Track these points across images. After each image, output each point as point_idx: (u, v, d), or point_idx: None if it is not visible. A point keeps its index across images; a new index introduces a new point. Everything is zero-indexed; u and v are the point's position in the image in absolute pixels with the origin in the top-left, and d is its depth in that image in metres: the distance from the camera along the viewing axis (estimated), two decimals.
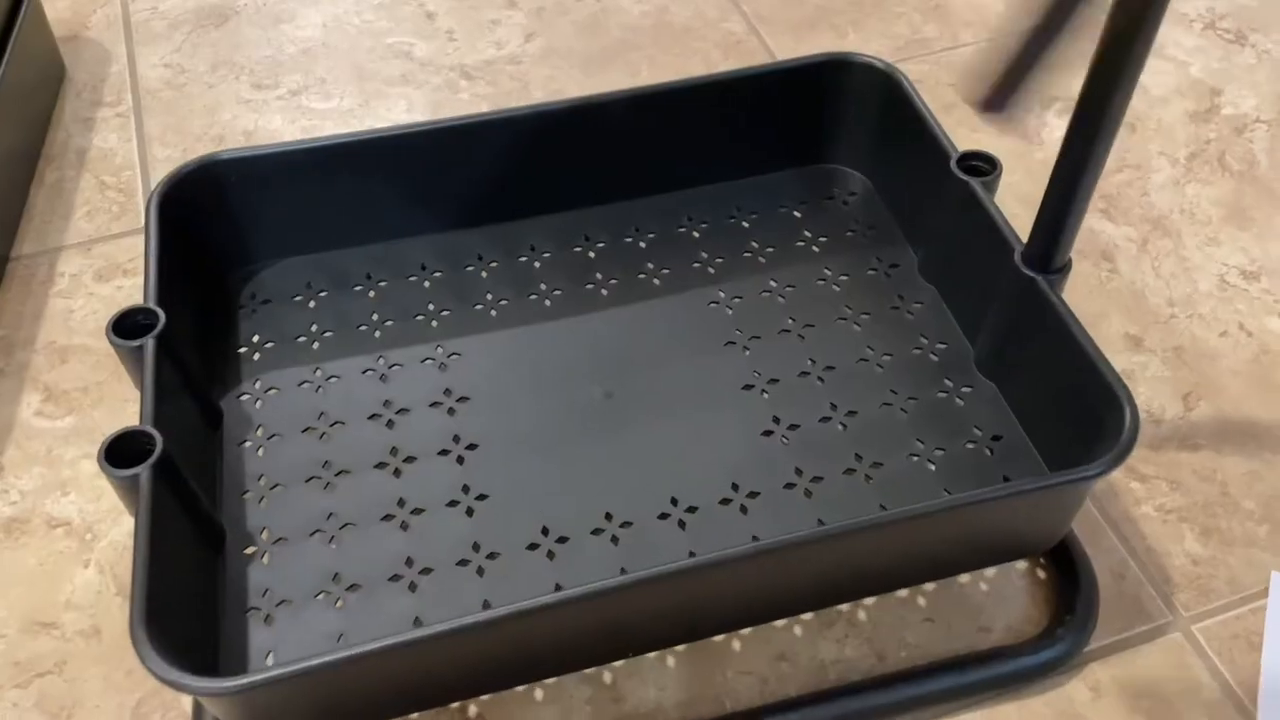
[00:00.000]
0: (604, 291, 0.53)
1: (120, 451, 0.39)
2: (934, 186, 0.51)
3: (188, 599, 0.40)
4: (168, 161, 0.65)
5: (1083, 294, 0.58)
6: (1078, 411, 0.43)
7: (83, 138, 0.66)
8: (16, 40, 0.62)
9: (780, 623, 0.45)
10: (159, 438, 0.38)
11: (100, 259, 0.60)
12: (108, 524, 0.49)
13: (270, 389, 0.49)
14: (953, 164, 0.49)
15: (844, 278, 0.54)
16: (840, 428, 0.48)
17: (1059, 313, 0.44)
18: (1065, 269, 0.45)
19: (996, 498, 0.39)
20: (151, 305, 0.43)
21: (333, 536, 0.44)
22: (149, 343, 0.42)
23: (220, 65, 0.71)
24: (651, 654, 0.44)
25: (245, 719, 0.36)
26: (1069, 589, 0.46)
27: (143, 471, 0.38)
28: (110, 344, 0.42)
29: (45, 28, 0.68)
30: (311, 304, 0.52)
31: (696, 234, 0.56)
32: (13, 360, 0.55)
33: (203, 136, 0.66)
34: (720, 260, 0.55)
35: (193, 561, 0.41)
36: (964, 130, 0.65)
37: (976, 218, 0.48)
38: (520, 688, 0.43)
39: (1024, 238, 0.48)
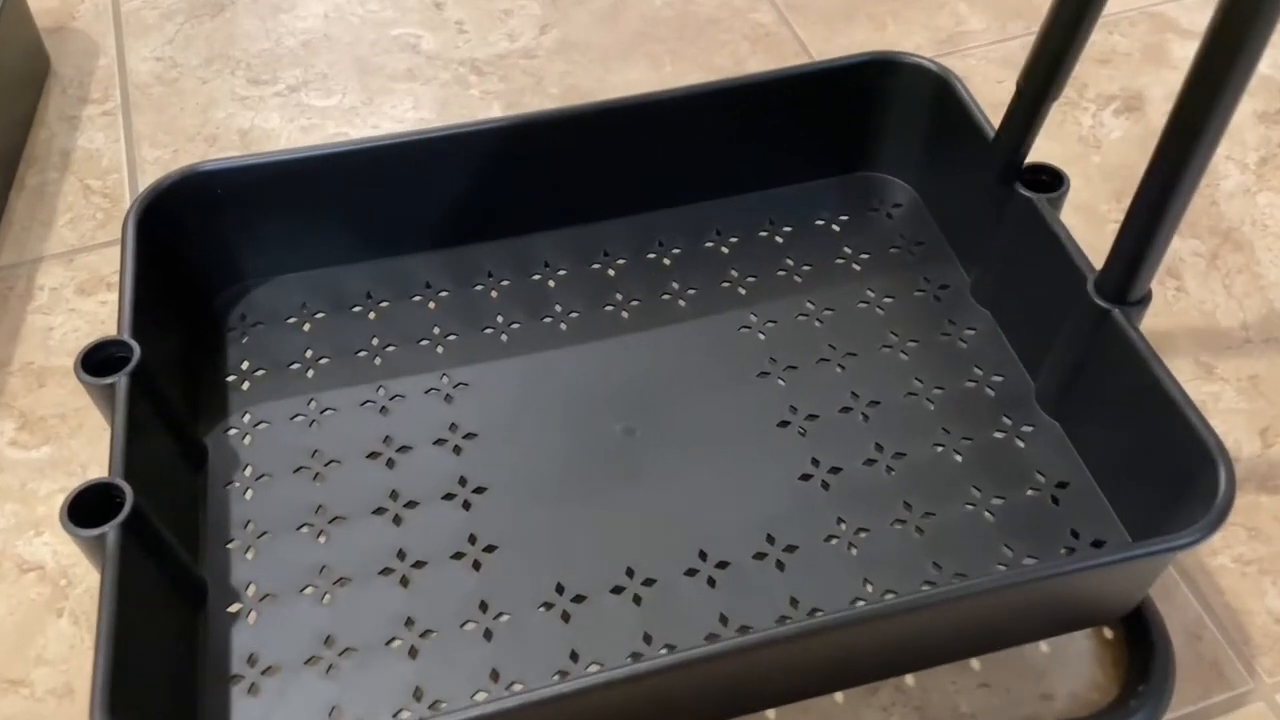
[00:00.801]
0: (625, 314, 0.49)
1: (87, 505, 0.34)
2: (991, 201, 0.46)
3: (163, 668, 0.36)
4: (157, 164, 0.61)
5: (1146, 315, 0.53)
6: (1158, 462, 0.38)
7: (67, 138, 0.62)
8: None
9: None
10: (128, 491, 0.34)
11: (83, 271, 0.55)
12: (84, 568, 0.45)
13: (260, 423, 0.45)
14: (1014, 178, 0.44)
15: (888, 300, 0.49)
16: (887, 472, 0.43)
17: (1139, 351, 0.39)
18: (1145, 300, 0.40)
19: (1074, 570, 0.35)
20: (126, 337, 0.39)
21: (326, 593, 0.40)
22: (122, 380, 0.37)
23: (215, 59, 0.67)
24: None
25: None
26: (1142, 653, 0.41)
27: (109, 531, 0.33)
28: (79, 381, 0.38)
29: (28, 18, 0.64)
30: (306, 326, 0.48)
31: (726, 249, 0.51)
32: None
33: (195, 136, 0.62)
34: (752, 279, 0.50)
35: (169, 624, 0.37)
36: None
37: (1041, 238, 0.43)
38: None
39: (1086, 253, 0.43)
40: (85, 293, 0.55)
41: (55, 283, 0.55)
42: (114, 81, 0.65)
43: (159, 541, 0.36)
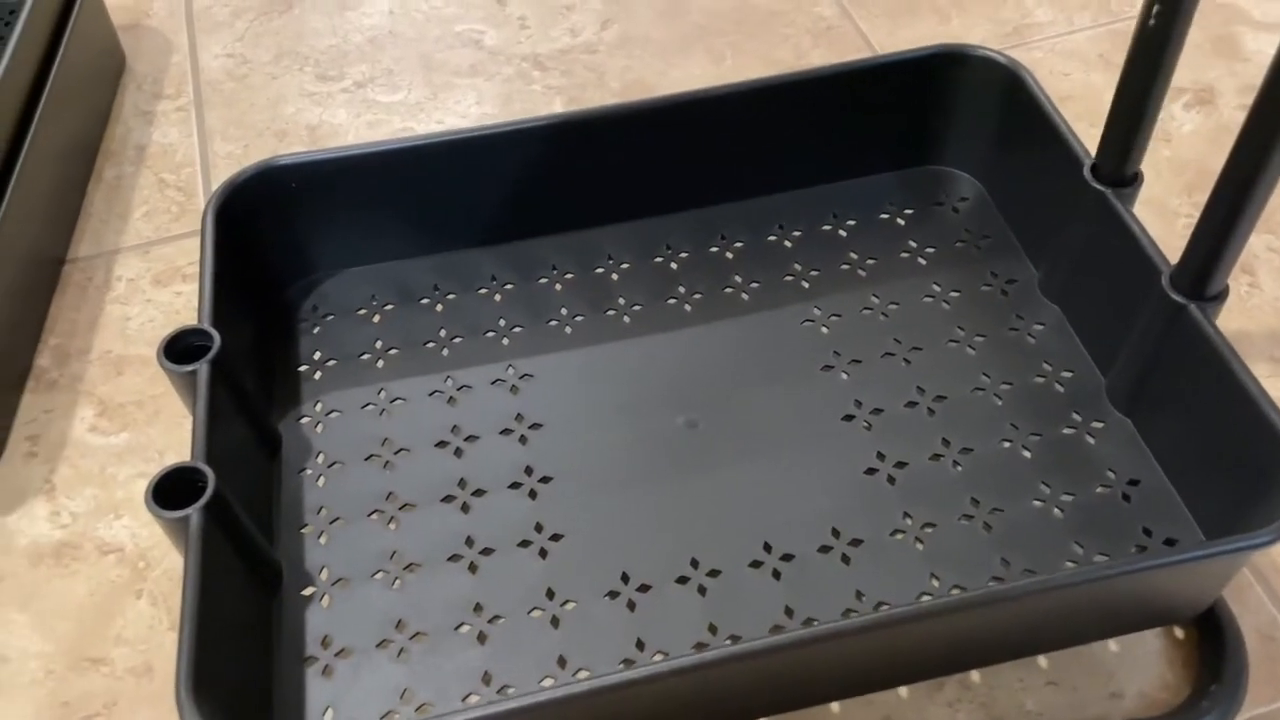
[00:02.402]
0: (687, 307, 0.49)
1: (170, 489, 0.35)
2: (1062, 195, 0.45)
3: (241, 648, 0.37)
4: (229, 158, 0.62)
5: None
6: (1234, 460, 0.38)
7: (142, 132, 0.64)
8: (74, 29, 0.59)
9: None
10: (211, 475, 0.35)
11: (159, 262, 0.57)
12: (161, 550, 0.46)
13: (332, 411, 0.45)
14: (1086, 172, 0.44)
15: (955, 294, 0.49)
16: (954, 467, 0.43)
17: (1216, 347, 0.38)
18: (1221, 296, 0.39)
19: (1145, 569, 0.34)
20: (206, 326, 0.40)
21: (396, 578, 0.41)
22: (203, 368, 0.38)
23: (284, 55, 0.68)
24: None
25: None
26: (1214, 653, 0.40)
27: (193, 513, 0.34)
28: (161, 368, 0.39)
29: (104, 16, 0.65)
30: (376, 318, 0.49)
31: (789, 243, 0.51)
32: (67, 371, 0.52)
33: (265, 131, 0.63)
34: (815, 272, 0.50)
35: (247, 606, 0.38)
36: (1083, 125, 0.59)
37: (1114, 233, 0.43)
38: None
39: (1163, 250, 0.42)
40: (161, 284, 0.56)
41: (132, 274, 0.57)
42: (187, 78, 0.67)
43: (238, 525, 0.37)
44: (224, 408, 0.39)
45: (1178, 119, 0.61)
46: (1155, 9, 0.39)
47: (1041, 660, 0.41)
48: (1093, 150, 0.45)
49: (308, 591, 0.40)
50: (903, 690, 0.41)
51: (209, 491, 0.35)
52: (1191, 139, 0.60)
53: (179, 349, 0.39)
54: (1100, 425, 0.44)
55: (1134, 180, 0.45)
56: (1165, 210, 0.56)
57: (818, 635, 0.34)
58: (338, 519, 0.42)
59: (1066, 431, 0.44)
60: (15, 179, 0.51)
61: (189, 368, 0.38)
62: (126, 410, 0.51)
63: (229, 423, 0.40)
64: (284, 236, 0.48)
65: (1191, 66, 0.64)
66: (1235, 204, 0.36)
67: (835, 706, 0.40)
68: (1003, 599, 0.34)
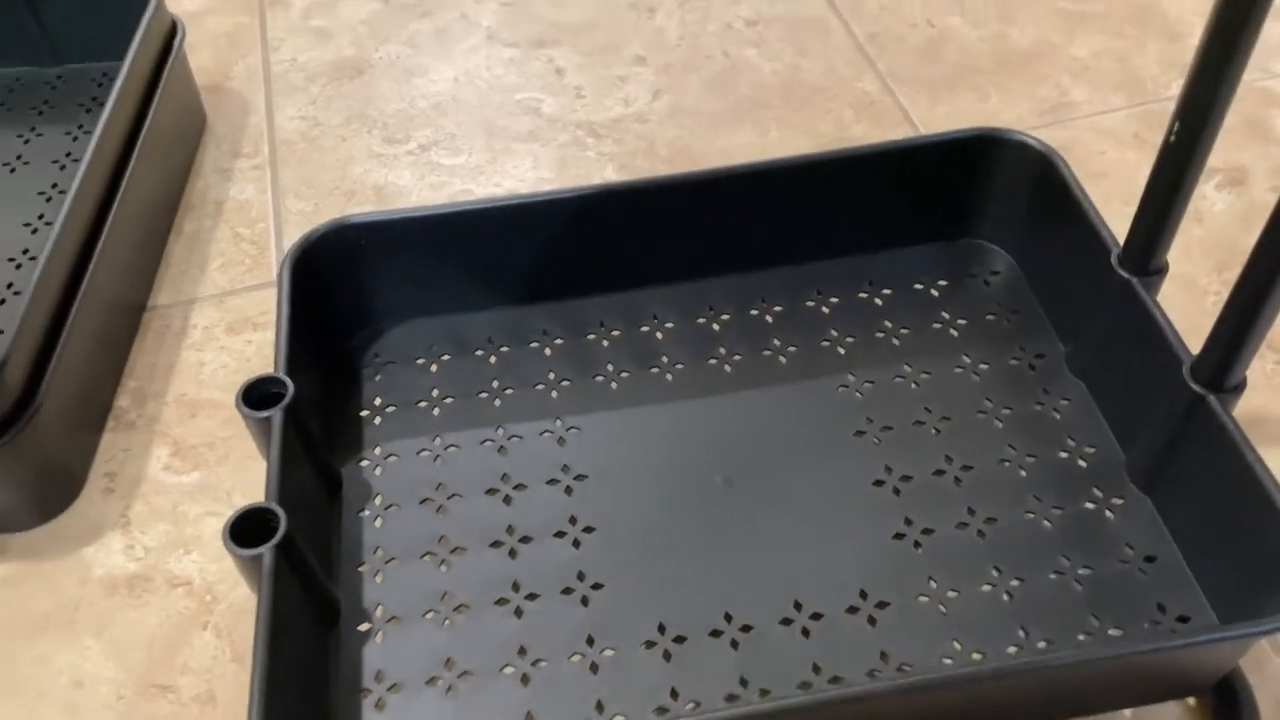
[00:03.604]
0: (727, 367, 0.52)
1: (244, 528, 0.38)
2: (1090, 279, 0.47)
3: (303, 679, 0.39)
4: (300, 214, 0.66)
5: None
6: (1248, 544, 0.39)
7: (220, 188, 0.68)
8: (164, 90, 0.63)
9: None
10: (283, 517, 0.38)
11: (232, 312, 0.61)
12: (227, 585, 0.49)
13: (390, 455, 0.49)
14: (1113, 259, 0.46)
15: (984, 366, 0.51)
16: (978, 536, 0.45)
17: (1233, 439, 0.40)
18: (1240, 387, 0.41)
19: (1156, 650, 0.36)
20: (281, 375, 0.43)
21: (446, 618, 0.43)
22: (277, 415, 0.42)
23: (354, 119, 0.72)
24: None
25: None
26: None
27: (265, 552, 0.37)
28: (239, 413, 0.42)
29: (190, 78, 0.70)
30: (433, 367, 0.52)
31: (826, 309, 0.54)
32: (144, 413, 0.56)
33: (334, 190, 0.67)
34: (851, 339, 0.52)
35: (309, 639, 0.41)
36: (1116, 203, 0.61)
37: (1139, 320, 0.45)
38: None
39: (1187, 332, 0.44)
40: (234, 332, 0.60)
41: (207, 322, 0.60)
42: (263, 137, 0.71)
43: (304, 562, 0.40)
44: (293, 451, 0.42)
45: (1209, 199, 0.63)
46: (1175, 127, 0.41)
47: None
48: (1121, 235, 0.47)
49: (363, 628, 0.43)
50: None
51: (280, 531, 0.38)
52: (1223, 218, 0.62)
53: (255, 396, 0.42)
54: (1120, 502, 0.46)
55: (1160, 271, 0.47)
56: (1194, 288, 0.58)
57: (846, 696, 0.36)
58: (393, 559, 0.45)
59: (1087, 506, 0.46)
60: (107, 231, 0.55)
61: (265, 414, 0.42)
62: (198, 451, 0.54)
63: (297, 465, 0.43)
64: (352, 288, 0.51)
65: (1225, 147, 0.66)
66: (1255, 304, 0.38)
67: None
68: (1017, 672, 0.35)
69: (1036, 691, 0.38)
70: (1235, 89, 0.39)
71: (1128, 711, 0.43)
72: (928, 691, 0.35)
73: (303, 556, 0.39)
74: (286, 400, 0.42)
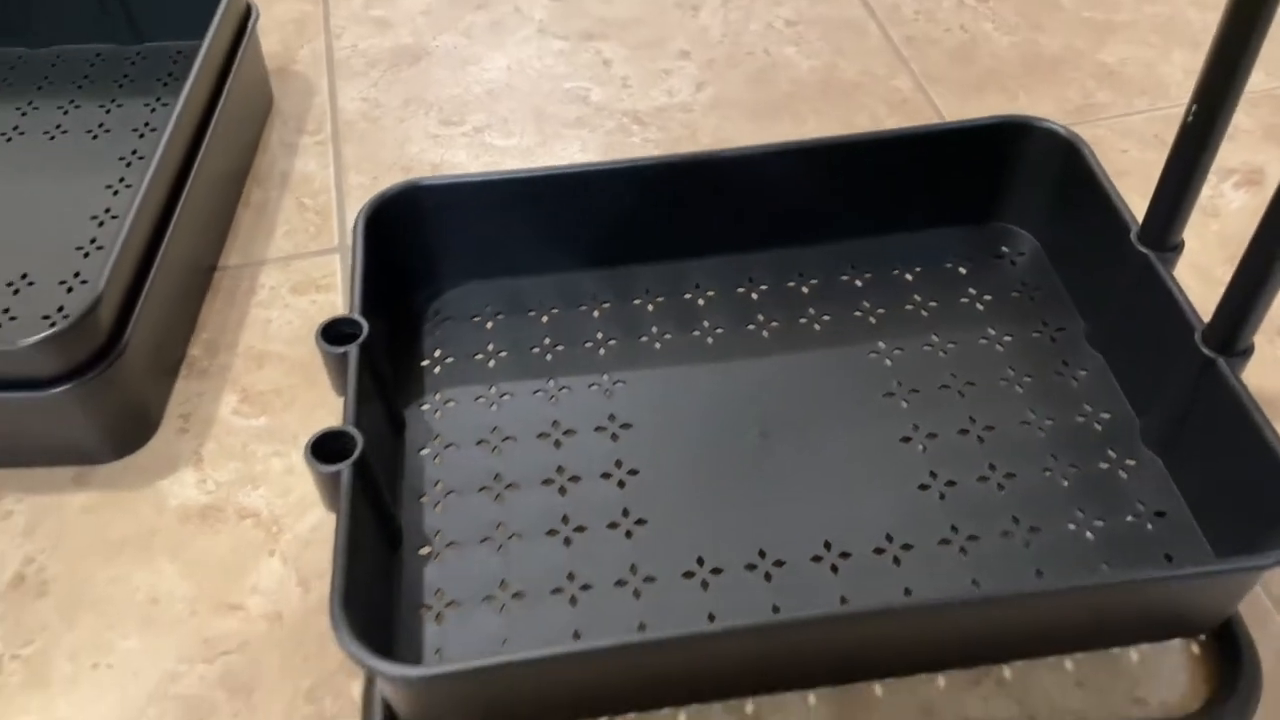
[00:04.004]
0: (765, 333, 0.55)
1: (322, 448, 0.42)
2: (1110, 256, 0.50)
3: (370, 591, 0.43)
4: (360, 188, 0.70)
5: (1253, 372, 0.56)
6: (1251, 500, 0.42)
7: (286, 162, 0.72)
8: (237, 73, 0.68)
9: (924, 675, 0.45)
10: (359, 438, 0.42)
11: (297, 274, 0.65)
12: (293, 518, 0.52)
13: (449, 401, 0.52)
14: (1133, 236, 0.49)
15: (1008, 338, 0.54)
16: (998, 489, 0.48)
17: (1239, 398, 0.43)
18: (1247, 352, 0.44)
19: (1162, 579, 0.39)
20: (356, 316, 0.46)
21: (501, 545, 0.47)
22: (353, 350, 0.45)
23: (411, 102, 0.76)
24: (793, 692, 0.45)
25: (415, 707, 0.39)
26: (1230, 668, 0.44)
27: (344, 469, 0.41)
28: (318, 349, 0.46)
29: (260, 59, 0.74)
30: (489, 325, 0.56)
31: (859, 283, 0.57)
32: (216, 362, 0.60)
33: (393, 166, 0.71)
34: (882, 311, 0.55)
35: (376, 557, 0.44)
36: (1136, 196, 0.64)
37: (1155, 292, 0.48)
38: (664, 711, 0.44)
39: (1200, 310, 0.47)
40: (298, 292, 0.64)
41: (274, 282, 0.64)
42: (326, 116, 0.75)
43: (375, 484, 0.43)
44: (364, 387, 0.46)
45: (1227, 196, 0.66)
46: (1193, 109, 0.44)
47: (1070, 664, 0.46)
48: (1140, 217, 0.50)
49: (424, 551, 0.47)
50: (941, 681, 0.45)
51: (358, 450, 0.41)
52: (1238, 215, 0.65)
53: (333, 334, 0.46)
54: (1133, 463, 0.49)
55: (1176, 247, 0.50)
56: (1209, 277, 0.61)
57: (866, 613, 0.39)
58: (451, 492, 0.48)
59: (1102, 465, 0.49)
60: (184, 198, 0.59)
61: (342, 349, 0.45)
62: (265, 398, 0.58)
63: (367, 400, 0.46)
64: (417, 248, 0.55)
65: (1244, 150, 0.69)
66: (1262, 271, 0.41)
67: (879, 690, 0.45)
68: (1026, 598, 0.38)
69: (1046, 621, 0.41)
70: (1249, 73, 0.42)
71: (1135, 655, 0.46)
72: (938, 612, 0.38)
73: (374, 478, 0.43)
74: (362, 338, 0.46)
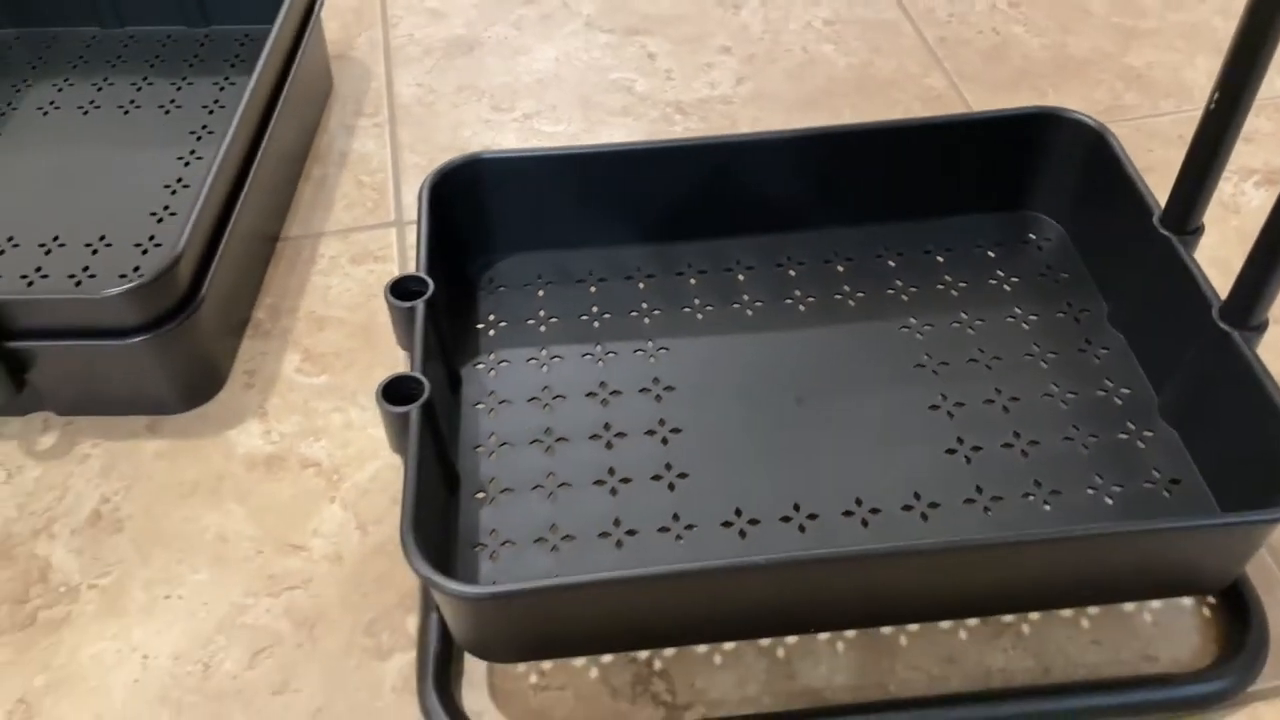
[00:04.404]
0: (801, 308, 0.58)
1: (392, 393, 0.45)
2: (1134, 239, 0.53)
3: (430, 529, 0.46)
4: (415, 167, 0.73)
5: (1270, 347, 0.59)
6: (1263, 467, 0.45)
7: (344, 142, 0.76)
8: (302, 56, 0.71)
9: (946, 626, 0.48)
10: (427, 384, 0.45)
11: (355, 246, 0.68)
12: (352, 468, 0.56)
13: (502, 361, 0.55)
14: (1155, 220, 0.52)
15: (1033, 317, 0.57)
16: (1022, 454, 0.51)
17: (1252, 367, 0.46)
18: (1262, 327, 0.47)
19: (1173, 529, 0.42)
20: (423, 274, 0.50)
21: (551, 492, 0.50)
22: (420, 305, 0.48)
23: (464, 88, 0.80)
24: (823, 637, 0.48)
25: (474, 630, 0.42)
26: (1238, 627, 0.47)
27: (413, 410, 0.44)
28: (386, 303, 0.49)
29: (323, 47, 0.78)
30: (540, 293, 0.59)
31: (892, 263, 0.60)
32: (279, 325, 0.63)
33: (447, 148, 0.75)
34: (914, 289, 0.58)
35: (436, 497, 0.47)
36: (1160, 192, 0.67)
37: (1175, 272, 0.50)
38: (701, 649, 0.47)
39: (1210, 283, 0.50)
40: (357, 262, 0.67)
41: (333, 252, 0.68)
42: (383, 100, 0.79)
43: (437, 428, 0.46)
44: (428, 341, 0.49)
45: (1247, 194, 0.69)
46: (1215, 96, 0.47)
47: (1085, 622, 0.48)
48: (1162, 203, 0.53)
49: (479, 495, 0.50)
50: (963, 633, 0.48)
51: (425, 394, 0.44)
52: (1258, 213, 0.67)
53: (400, 290, 0.49)
54: (1150, 435, 0.51)
55: (1196, 231, 0.52)
56: (1229, 269, 0.63)
57: (894, 551, 0.42)
58: (505, 444, 0.52)
59: (1120, 436, 0.51)
60: (254, 170, 0.63)
61: (409, 304, 0.48)
62: (326, 359, 0.61)
63: (429, 355, 0.50)
64: (475, 218, 0.58)
65: (1265, 151, 0.72)
66: (1276, 249, 0.44)
67: (904, 640, 0.48)
68: (1050, 540, 0.41)
69: (1063, 571, 0.43)
70: (1269, 63, 0.45)
71: (1148, 616, 0.48)
72: (962, 552, 0.41)
73: (436, 422, 0.46)
74: (428, 294, 0.49)
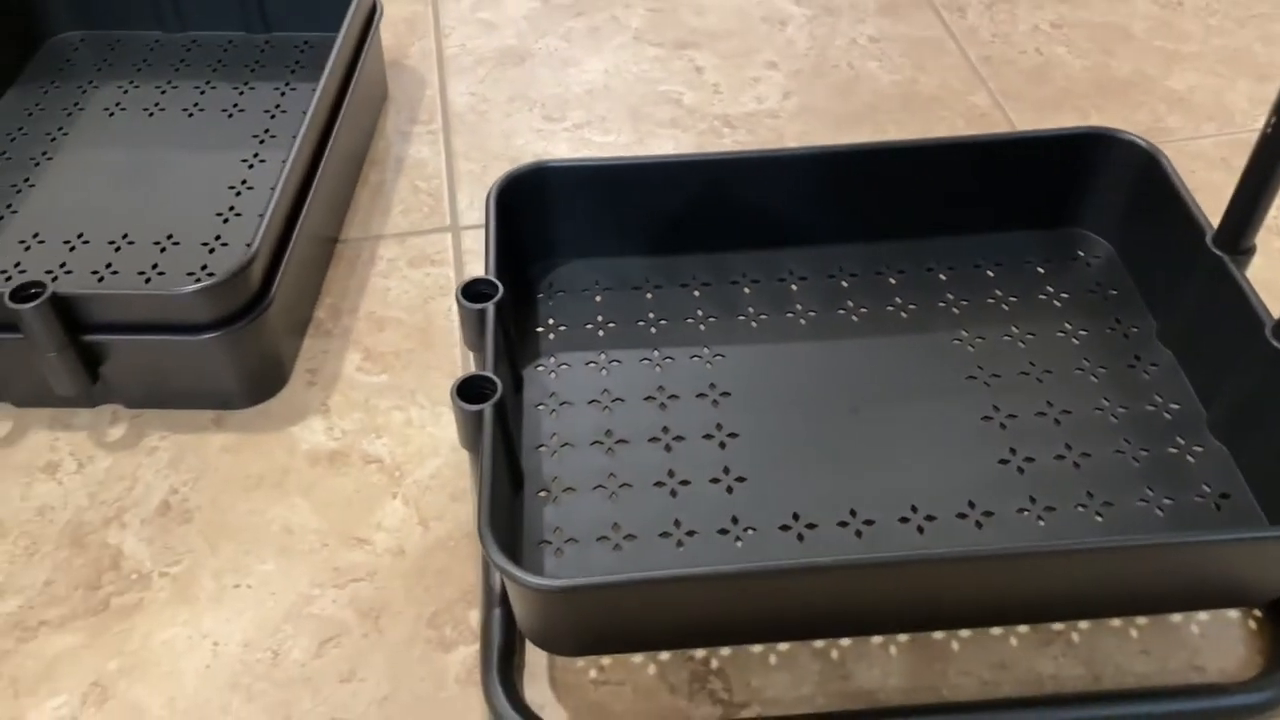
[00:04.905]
0: (854, 318, 0.59)
1: (464, 391, 0.47)
2: (1185, 259, 0.54)
3: (502, 522, 0.47)
4: (469, 174, 0.75)
5: None
6: None
7: (401, 148, 0.77)
8: (362, 66, 0.73)
9: (997, 632, 0.49)
10: (499, 384, 0.46)
11: (412, 249, 0.70)
12: (413, 465, 0.57)
13: (563, 364, 0.57)
14: (1208, 240, 0.53)
15: (1083, 332, 0.58)
16: (1074, 466, 0.52)
17: None
18: None
19: (1222, 541, 0.43)
20: (493, 277, 0.51)
21: (612, 492, 0.51)
22: (490, 307, 0.50)
23: (516, 98, 0.81)
24: (877, 640, 0.49)
25: (541, 621, 0.43)
26: None
27: (486, 409, 0.45)
28: (458, 305, 0.51)
29: (381, 57, 0.80)
30: (598, 298, 0.60)
31: (944, 276, 0.61)
32: (339, 324, 0.65)
33: (500, 156, 0.76)
34: (965, 303, 0.59)
35: (505, 494, 0.48)
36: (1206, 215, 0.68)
37: (1228, 291, 0.51)
38: (757, 649, 0.48)
39: (1263, 302, 0.51)
40: (414, 265, 0.69)
41: (391, 255, 0.69)
42: (437, 108, 0.81)
43: (506, 427, 0.48)
44: (497, 342, 0.51)
45: None
46: (1274, 120, 0.48)
47: (1134, 632, 0.49)
48: (1214, 223, 0.54)
49: (542, 494, 0.51)
50: (1014, 640, 0.49)
51: (498, 393, 0.46)
52: None
53: (471, 292, 0.51)
54: (1200, 449, 0.52)
55: (1248, 251, 0.53)
56: (1276, 292, 0.64)
57: (944, 556, 0.43)
58: (567, 444, 0.53)
59: (1170, 451, 0.52)
60: (319, 174, 0.64)
61: (481, 306, 0.50)
62: (386, 358, 0.63)
63: (498, 357, 0.51)
64: (538, 224, 0.60)
65: None
66: None
67: (955, 644, 0.49)
68: (1102, 551, 0.42)
69: (1114, 579, 0.44)
70: None
71: (1195, 627, 0.49)
72: (1014, 560, 0.42)
73: (506, 421, 0.47)
74: (498, 296, 0.50)
